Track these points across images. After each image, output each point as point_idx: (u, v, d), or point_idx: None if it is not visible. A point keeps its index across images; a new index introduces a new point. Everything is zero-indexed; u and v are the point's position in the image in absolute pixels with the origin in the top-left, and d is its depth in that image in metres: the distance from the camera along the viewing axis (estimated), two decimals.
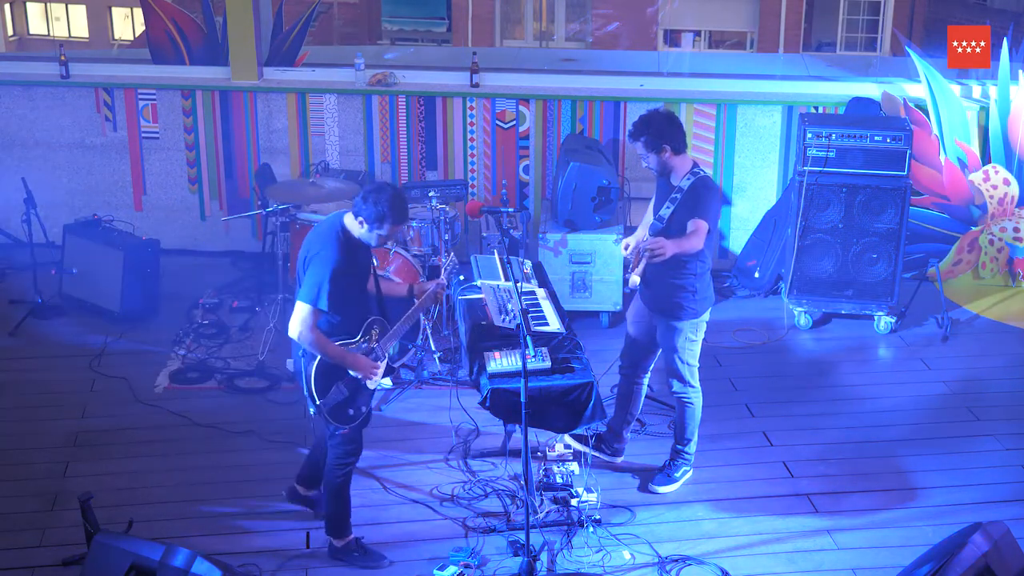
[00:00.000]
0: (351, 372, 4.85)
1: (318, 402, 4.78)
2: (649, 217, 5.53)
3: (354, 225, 4.80)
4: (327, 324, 4.78)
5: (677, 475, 5.71)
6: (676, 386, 5.58)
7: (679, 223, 5.26)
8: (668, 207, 5.29)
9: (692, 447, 5.70)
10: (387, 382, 6.51)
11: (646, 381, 5.81)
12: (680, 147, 5.29)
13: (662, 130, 5.24)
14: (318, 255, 4.74)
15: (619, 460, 5.89)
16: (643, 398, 5.86)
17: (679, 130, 5.30)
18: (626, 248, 5.43)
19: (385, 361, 4.98)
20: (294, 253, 6.82)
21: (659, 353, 5.66)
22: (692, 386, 5.59)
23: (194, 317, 7.53)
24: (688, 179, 5.27)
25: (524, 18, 21.06)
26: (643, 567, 5.11)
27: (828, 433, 6.24)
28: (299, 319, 4.70)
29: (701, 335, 5.54)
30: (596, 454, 5.83)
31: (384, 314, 5.05)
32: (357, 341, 4.87)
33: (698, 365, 5.60)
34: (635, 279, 5.39)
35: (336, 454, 5.02)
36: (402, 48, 19.25)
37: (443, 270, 5.48)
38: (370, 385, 4.93)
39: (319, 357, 4.76)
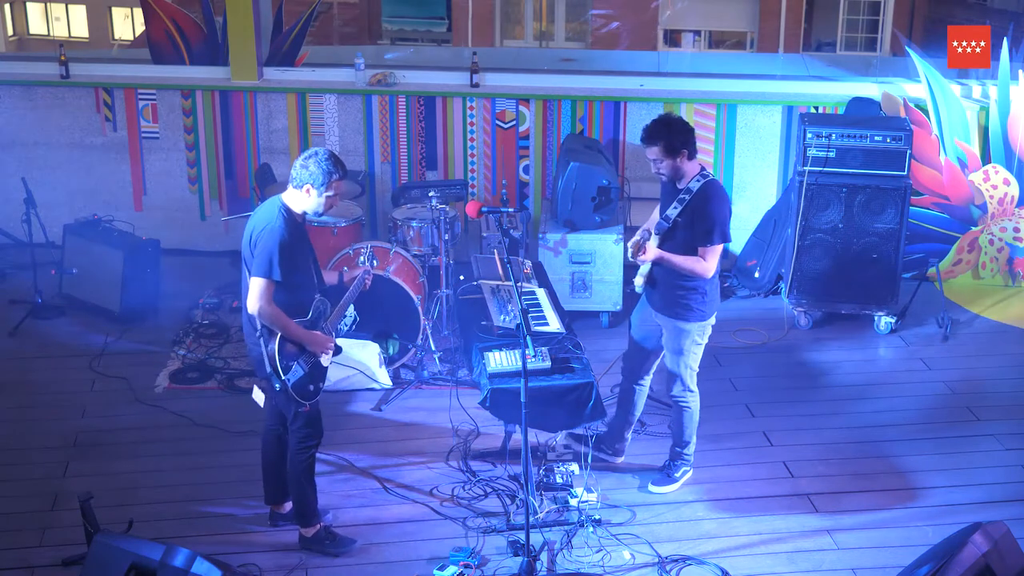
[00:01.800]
0: (307, 348, 4.91)
1: (283, 378, 4.82)
2: (655, 217, 5.53)
3: (298, 199, 4.86)
4: (280, 304, 4.82)
5: (677, 475, 5.70)
6: (676, 389, 5.57)
7: (686, 224, 5.28)
8: (675, 207, 5.29)
9: (691, 449, 5.70)
10: (386, 379, 6.53)
11: (648, 382, 5.81)
12: (694, 152, 5.31)
13: (682, 135, 5.24)
14: (264, 230, 4.80)
15: (619, 460, 5.89)
16: (644, 399, 5.86)
17: (693, 135, 5.32)
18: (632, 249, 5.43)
19: (334, 338, 5.08)
20: None
21: (662, 355, 5.66)
22: (691, 391, 5.58)
23: (194, 317, 7.53)
24: (697, 180, 5.28)
25: (524, 18, 21.05)
26: (643, 567, 5.11)
27: (828, 433, 6.24)
28: (256, 294, 4.77)
29: (706, 338, 5.54)
30: (596, 454, 5.83)
31: (328, 297, 5.14)
32: (309, 320, 4.93)
33: (698, 370, 5.61)
34: (639, 281, 5.42)
35: (298, 438, 5.06)
36: (402, 48, 19.25)
37: (363, 258, 5.73)
38: (323, 362, 5.00)
39: (279, 335, 4.81)
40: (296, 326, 4.86)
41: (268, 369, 4.84)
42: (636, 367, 5.76)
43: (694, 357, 5.52)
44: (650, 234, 5.35)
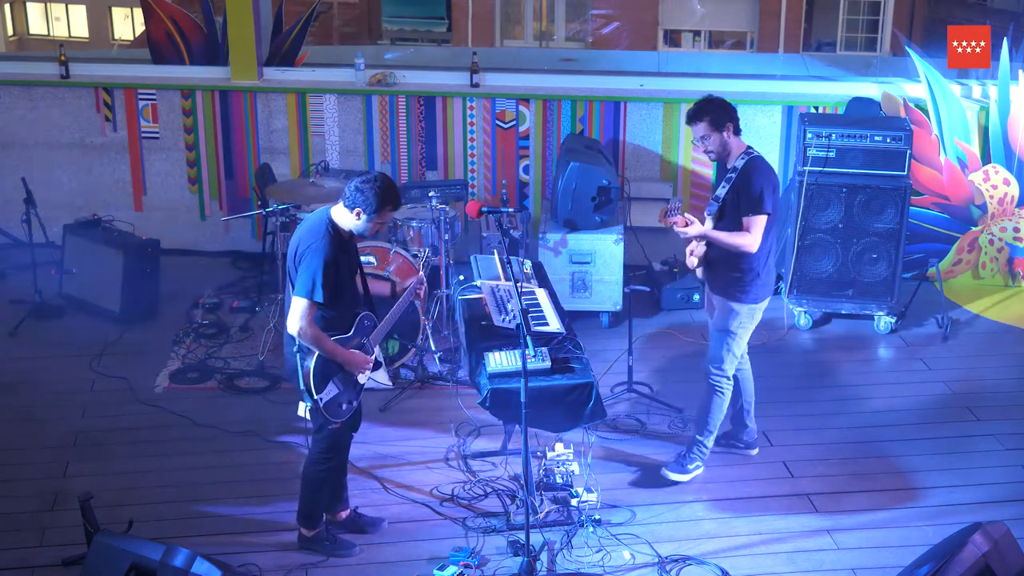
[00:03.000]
0: (345, 367, 4.88)
1: (315, 397, 4.79)
2: None
3: (346, 217, 4.81)
4: (320, 320, 4.79)
5: (689, 467, 5.70)
6: (713, 371, 5.60)
7: (733, 201, 5.36)
8: (723, 187, 5.40)
9: (710, 441, 5.71)
10: (385, 379, 6.52)
11: (746, 363, 5.82)
12: (738, 127, 5.41)
13: (726, 108, 5.35)
14: (309, 249, 4.75)
15: (753, 452, 5.92)
16: (750, 381, 5.86)
17: (735, 110, 5.41)
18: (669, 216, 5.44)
19: (374, 355, 5.04)
20: None
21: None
22: (727, 377, 5.62)
23: (194, 317, 7.53)
24: (742, 159, 5.38)
25: (524, 18, 21.05)
26: (643, 567, 5.10)
27: (828, 433, 6.24)
28: (298, 314, 4.72)
29: (755, 323, 5.59)
30: (731, 451, 5.91)
31: (373, 311, 5.09)
32: (350, 336, 4.89)
33: (738, 360, 5.63)
34: (693, 261, 5.51)
35: (319, 449, 5.04)
36: (402, 48, 19.25)
37: (420, 265, 5.54)
38: (360, 380, 4.97)
39: (317, 353, 4.77)
40: (336, 346, 4.80)
41: (302, 386, 4.82)
42: None
43: (738, 341, 5.55)
44: (680, 203, 5.40)
